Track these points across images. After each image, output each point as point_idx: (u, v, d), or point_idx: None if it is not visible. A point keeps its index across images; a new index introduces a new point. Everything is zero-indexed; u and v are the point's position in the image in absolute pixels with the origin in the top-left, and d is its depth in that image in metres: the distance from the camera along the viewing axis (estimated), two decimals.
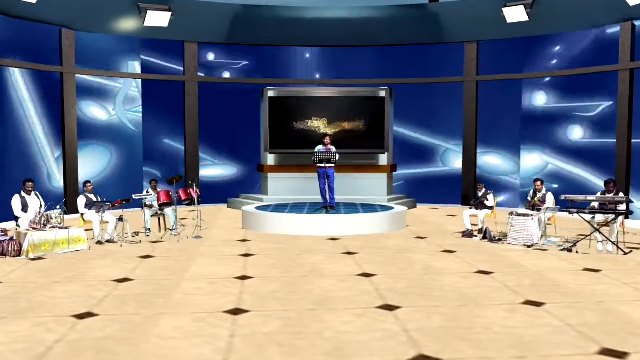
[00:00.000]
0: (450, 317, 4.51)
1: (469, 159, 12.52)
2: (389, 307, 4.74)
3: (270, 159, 12.16)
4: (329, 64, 13.03)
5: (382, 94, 11.96)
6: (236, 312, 4.64)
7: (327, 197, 9.55)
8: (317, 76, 13.18)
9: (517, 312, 4.62)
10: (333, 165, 9.50)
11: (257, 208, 9.77)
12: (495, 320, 4.41)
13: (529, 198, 8.48)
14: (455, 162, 12.70)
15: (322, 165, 9.30)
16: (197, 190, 8.75)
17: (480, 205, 8.82)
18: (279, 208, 9.90)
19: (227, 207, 12.28)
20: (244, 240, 8.12)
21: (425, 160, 12.89)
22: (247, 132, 12.77)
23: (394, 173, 12.56)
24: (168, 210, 8.76)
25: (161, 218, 9.09)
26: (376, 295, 5.15)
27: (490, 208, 8.87)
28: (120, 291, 5.33)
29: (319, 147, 9.66)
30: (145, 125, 12.12)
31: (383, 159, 12.13)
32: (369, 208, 9.95)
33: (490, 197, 8.87)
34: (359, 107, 11.99)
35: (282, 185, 11.88)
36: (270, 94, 12.03)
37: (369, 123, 11.94)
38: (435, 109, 12.85)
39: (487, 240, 8.03)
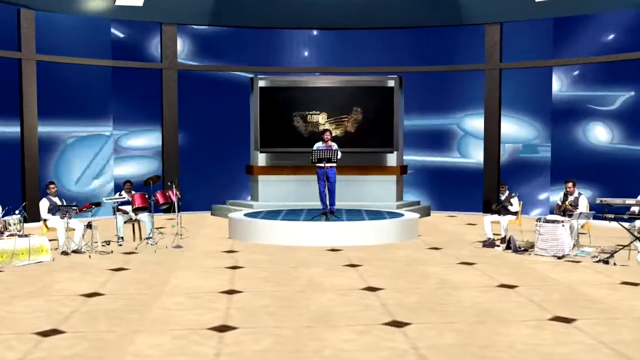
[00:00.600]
0: (467, 334, 4.58)
1: (491, 155, 12.50)
2: (397, 324, 4.83)
3: (261, 159, 12.22)
4: (329, 50, 13.05)
5: (391, 83, 12.05)
6: (223, 328, 4.72)
7: (327, 201, 9.62)
8: (316, 63, 13.21)
9: (544, 328, 4.72)
10: (334, 165, 9.55)
11: (245, 215, 9.80)
12: (518, 338, 4.50)
13: (559, 202, 8.55)
14: (476, 163, 12.77)
15: (322, 165, 9.34)
16: (177, 193, 8.82)
17: (503, 210, 8.90)
18: (271, 215, 9.95)
19: (211, 214, 12.38)
20: (230, 251, 8.21)
21: (441, 155, 12.92)
22: (234, 128, 12.78)
23: (404, 175, 12.65)
24: (144, 216, 8.81)
25: (136, 225, 9.13)
26: (382, 310, 5.24)
27: (515, 213, 8.94)
28: (90, 306, 5.42)
29: (318, 144, 9.72)
30: (115, 119, 12.13)
31: (391, 159, 12.20)
32: (375, 215, 9.97)
33: (515, 200, 8.95)
34: (364, 99, 12.04)
35: (274, 189, 11.94)
36: (261, 83, 12.10)
37: (376, 117, 12.02)
38: (452, 102, 12.90)
39: (511, 251, 8.10)
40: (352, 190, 11.67)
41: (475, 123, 12.86)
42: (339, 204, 10.27)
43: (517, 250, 8.07)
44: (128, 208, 8.86)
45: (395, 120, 12.06)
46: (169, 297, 5.71)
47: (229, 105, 12.89)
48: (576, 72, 11.84)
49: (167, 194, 8.93)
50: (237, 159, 12.76)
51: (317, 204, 10.23)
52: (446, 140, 13.06)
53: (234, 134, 12.89)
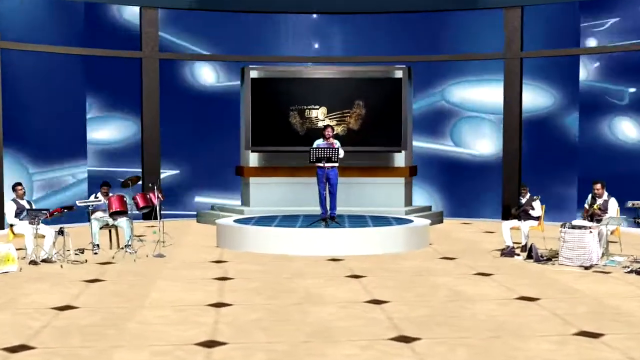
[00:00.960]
0: (481, 350, 4.66)
1: (510, 153, 12.55)
2: (404, 339, 4.91)
3: (253, 159, 12.28)
4: (329, 37, 13.10)
5: (398, 74, 12.09)
6: (210, 344, 4.79)
7: (328, 206, 9.70)
8: (315, 52, 13.27)
9: (568, 343, 4.80)
10: (336, 165, 9.63)
11: (235, 221, 9.87)
12: (538, 353, 4.58)
13: (587, 205, 8.63)
14: (490, 160, 13.01)
15: (321, 164, 9.39)
16: (160, 195, 8.89)
17: (523, 215, 8.96)
18: (265, 221, 10.02)
19: (197, 221, 12.47)
20: (219, 261, 8.29)
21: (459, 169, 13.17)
22: (223, 125, 12.85)
23: (413, 178, 12.70)
24: (122, 222, 8.83)
25: (113, 231, 9.18)
26: (388, 324, 5.31)
27: (537, 218, 9.01)
28: (62, 321, 5.46)
29: (318, 142, 9.81)
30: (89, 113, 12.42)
31: (399, 159, 12.28)
32: (381, 221, 10.05)
33: (537, 204, 9.00)
34: (369, 91, 12.10)
35: (268, 193, 12.00)
36: (254, 74, 12.15)
37: (382, 112, 12.07)
38: (465, 94, 13.01)
39: (532, 260, 8.14)
40: (355, 193, 11.70)
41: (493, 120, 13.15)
42: (340, 209, 10.29)
43: (539, 259, 8.11)
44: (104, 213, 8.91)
45: (404, 116, 12.08)
46: (150, 311, 5.76)
47: (217, 99, 12.94)
48: (604, 62, 11.92)
49: (148, 196, 8.97)
50: (226, 159, 12.78)
51: (315, 209, 10.29)
52: (461, 138, 13.17)
53: (222, 130, 12.92)
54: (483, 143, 13.41)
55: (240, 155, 12.58)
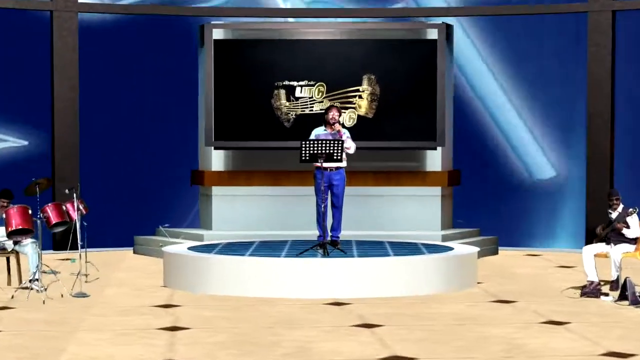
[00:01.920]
0: None
1: (597, 150, 12.69)
2: None
3: (217, 160, 12.40)
4: None
5: (432, 35, 12.23)
6: None
7: (328, 225, 9.77)
8: (308, 2, 13.44)
9: None
10: (343, 165, 9.77)
11: (191, 250, 9.96)
12: None
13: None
14: (570, 163, 13.12)
15: (320, 164, 9.43)
16: (82, 207, 9.00)
17: (614, 236, 9.01)
18: (234, 249, 10.04)
19: (134, 251, 12.68)
20: (167, 306, 8.37)
21: (508, 160, 13.35)
22: (170, 110, 13.02)
23: (454, 187, 12.80)
24: (25, 246, 8.89)
25: (12, 259, 9.24)
26: None
27: (633, 241, 9.04)
28: None
29: (318, 131, 9.98)
30: None
31: (434, 160, 12.36)
32: (406, 249, 10.12)
33: (634, 220, 9.01)
34: (386, 60, 12.13)
35: (239, 209, 12.11)
36: (217, 34, 12.26)
37: (407, 92, 12.10)
38: (532, 65, 13.09)
39: (627, 302, 8.22)
40: (370, 209, 11.80)
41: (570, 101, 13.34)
42: (346, 232, 10.32)
43: (636, 300, 8.16)
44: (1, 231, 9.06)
45: (441, 96, 12.11)
46: None
47: (161, 71, 13.10)
48: None
49: (64, 207, 9.05)
50: (176, 161, 13.01)
51: (310, 231, 10.29)
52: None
53: (171, 120, 13.08)
54: None
55: (198, 155, 12.69)
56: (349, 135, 9.98)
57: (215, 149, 12.33)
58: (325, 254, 9.32)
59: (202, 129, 12.50)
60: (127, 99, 13.27)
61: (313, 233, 10.15)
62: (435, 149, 12.28)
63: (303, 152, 9.53)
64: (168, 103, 13.27)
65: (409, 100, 12.26)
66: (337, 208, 9.91)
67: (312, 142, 9.61)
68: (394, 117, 12.29)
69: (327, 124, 9.95)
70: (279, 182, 11.93)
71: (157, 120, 13.28)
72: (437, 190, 12.28)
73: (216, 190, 12.26)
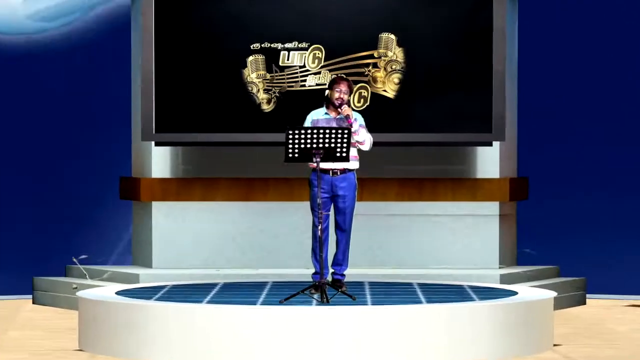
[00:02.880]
0: None
1: None
2: None
3: (159, 163, 12.34)
4: None
5: None
6: None
7: (329, 257, 9.69)
8: None
9: None
10: (353, 168, 9.73)
11: (120, 294, 9.74)
12: None
13: None
14: None
15: (316, 164, 9.30)
16: None
17: None
18: (187, 293, 9.93)
19: (34, 301, 12.62)
20: None
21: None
22: (87, 93, 13.26)
23: (519, 203, 12.73)
24: None
25: None
26: None
27: None
28: None
29: (317, 114, 9.85)
30: None
31: (488, 163, 12.33)
32: (445, 293, 10.04)
33: None
34: (414, 13, 12.17)
35: (192, 235, 12.08)
36: None
37: (446, 60, 12.14)
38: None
39: None
40: (391, 234, 11.89)
41: None
42: (353, 270, 10.17)
43: None
44: None
45: (498, 66, 11.98)
46: None
47: (76, 37, 13.31)
48: None
49: None
50: (97, 165, 13.09)
51: (299, 267, 10.55)
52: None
53: (89, 107, 13.26)
54: None
55: (130, 156, 12.63)
56: (363, 122, 9.55)
57: (156, 145, 11.93)
58: (324, 301, 8.94)
59: (137, 118, 12.22)
60: (25, 78, 13.32)
61: (304, 269, 10.23)
62: (490, 144, 12.01)
63: (290, 146, 9.08)
64: (83, 83, 13.36)
65: (448, 73, 12.09)
66: (342, 232, 9.59)
67: (303, 131, 9.21)
68: (426, 98, 12.09)
69: (330, 106, 9.68)
70: (252, 194, 11.73)
71: (69, 110, 13.34)
72: (493, 208, 12.06)
73: (158, 208, 11.99)
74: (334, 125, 9.31)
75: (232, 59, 12.22)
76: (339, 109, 9.56)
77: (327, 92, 9.89)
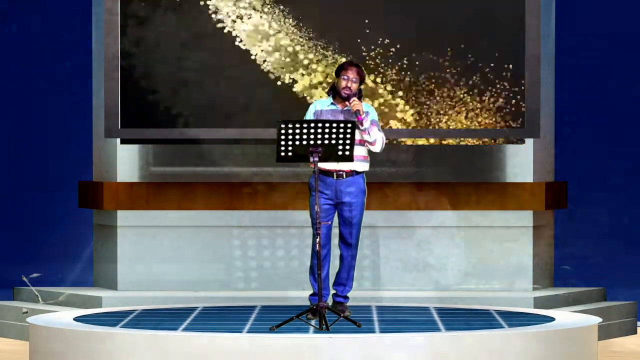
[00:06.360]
0: None
1: None
2: None
3: (126, 165, 11.91)
4: None
5: None
6: None
7: (331, 277, 9.45)
8: None
9: None
10: (361, 170, 9.33)
11: (79, 321, 9.53)
12: None
13: None
14: None
15: (314, 165, 8.91)
16: None
17: None
18: (159, 319, 9.77)
19: None
20: None
21: None
22: (40, 79, 12.84)
23: (557, 212, 12.18)
24: None
25: None
26: None
27: None
28: None
29: (320, 105, 9.51)
30: None
31: (520, 164, 11.85)
32: (469, 318, 9.79)
33: None
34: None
35: (163, 251, 11.66)
36: None
37: (469, 42, 11.70)
38: None
39: None
40: (405, 249, 11.50)
41: None
42: (362, 291, 10.41)
43: None
44: None
45: (532, 51, 11.62)
46: None
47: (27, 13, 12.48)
48: None
49: None
50: (51, 167, 12.66)
51: (294, 289, 10.51)
52: None
53: (43, 96, 12.79)
54: None
55: (91, 156, 12.18)
56: (376, 117, 9.18)
57: (122, 143, 11.59)
58: (324, 328, 8.67)
59: (99, 110, 11.88)
60: None
61: (301, 292, 10.02)
62: (522, 142, 11.56)
63: (282, 142, 8.84)
64: (38, 68, 12.87)
65: (471, 58, 11.67)
66: (348, 246, 9.23)
67: (299, 124, 8.88)
68: (449, 94, 11.74)
69: (336, 96, 9.28)
70: (237, 202, 11.28)
71: (17, 103, 12.91)
72: (526, 218, 11.44)
73: (125, 218, 11.50)
74: (341, 118, 9.18)
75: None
76: (346, 102, 9.27)
77: (336, 77, 9.61)
